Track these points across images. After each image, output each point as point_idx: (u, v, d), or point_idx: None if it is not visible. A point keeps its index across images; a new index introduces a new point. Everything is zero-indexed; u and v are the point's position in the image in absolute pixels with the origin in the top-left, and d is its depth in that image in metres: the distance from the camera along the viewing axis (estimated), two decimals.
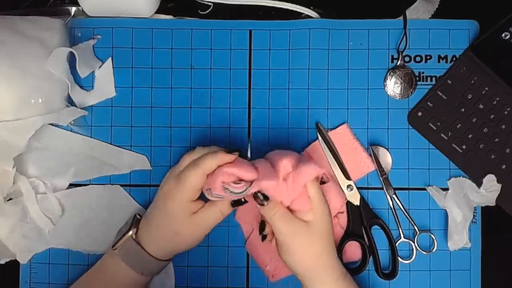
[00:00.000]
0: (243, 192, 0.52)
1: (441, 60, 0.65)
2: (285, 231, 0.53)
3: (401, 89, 0.65)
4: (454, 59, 0.65)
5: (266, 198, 0.54)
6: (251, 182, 0.52)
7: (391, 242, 0.63)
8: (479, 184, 0.63)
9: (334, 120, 0.65)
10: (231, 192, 0.52)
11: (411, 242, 0.63)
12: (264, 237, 0.57)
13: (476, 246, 0.64)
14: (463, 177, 0.64)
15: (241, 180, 0.52)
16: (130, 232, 0.57)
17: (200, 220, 0.55)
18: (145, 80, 0.65)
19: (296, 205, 0.54)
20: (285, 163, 0.53)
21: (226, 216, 0.56)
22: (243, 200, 0.55)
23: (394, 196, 0.63)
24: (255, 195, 0.54)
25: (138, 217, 0.59)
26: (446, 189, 0.63)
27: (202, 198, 0.56)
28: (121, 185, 0.65)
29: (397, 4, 0.65)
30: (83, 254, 0.64)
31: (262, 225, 0.57)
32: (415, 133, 0.65)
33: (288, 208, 0.55)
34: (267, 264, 0.63)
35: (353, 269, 0.63)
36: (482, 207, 0.64)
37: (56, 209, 0.63)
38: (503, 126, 0.63)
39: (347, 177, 0.62)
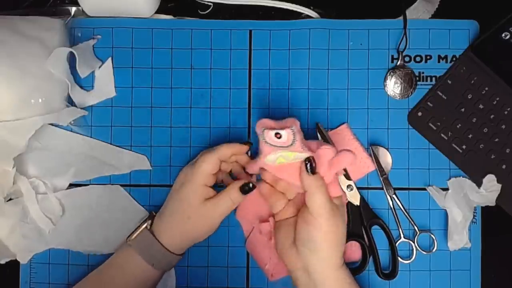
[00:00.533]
0: (289, 145, 0.53)
1: (441, 60, 0.65)
2: (326, 204, 0.53)
3: (401, 89, 0.65)
4: (454, 59, 0.65)
5: (313, 170, 0.54)
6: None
7: (391, 242, 0.63)
8: (479, 184, 0.63)
9: (334, 120, 0.65)
10: (267, 142, 0.53)
11: (411, 242, 0.63)
12: (312, 169, 0.55)
13: (476, 246, 0.64)
14: (463, 177, 0.64)
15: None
16: (145, 224, 0.58)
17: (212, 207, 0.57)
18: (145, 80, 0.65)
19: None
20: (327, 150, 0.53)
21: (236, 205, 0.57)
22: (251, 185, 0.56)
23: (394, 196, 0.63)
24: (306, 162, 0.53)
25: (154, 213, 0.60)
26: (446, 189, 0.63)
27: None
28: (121, 185, 0.65)
29: (397, 4, 0.65)
30: (83, 254, 0.64)
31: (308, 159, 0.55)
32: (415, 133, 0.65)
33: None
34: (266, 263, 0.63)
35: (353, 269, 0.63)
36: (482, 207, 0.64)
37: (56, 209, 0.63)
38: (503, 126, 0.63)
39: (347, 177, 0.62)
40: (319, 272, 0.55)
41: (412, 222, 0.63)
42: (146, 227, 0.58)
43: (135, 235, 0.58)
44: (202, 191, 0.57)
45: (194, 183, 0.57)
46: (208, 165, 0.56)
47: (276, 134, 0.53)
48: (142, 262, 0.57)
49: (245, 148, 0.58)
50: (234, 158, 0.60)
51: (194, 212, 0.57)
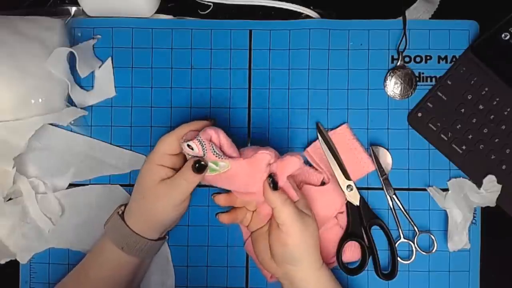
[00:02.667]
0: (203, 155, 0.53)
1: (441, 61, 0.65)
2: (296, 216, 0.54)
3: (401, 89, 0.65)
4: (454, 59, 0.65)
5: (275, 186, 0.54)
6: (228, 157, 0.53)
7: (391, 243, 0.63)
8: (479, 184, 0.63)
9: (334, 120, 0.65)
10: (202, 146, 0.53)
11: (411, 242, 0.63)
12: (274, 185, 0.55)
13: (475, 247, 0.64)
14: (463, 177, 0.64)
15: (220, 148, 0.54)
16: (118, 209, 0.59)
17: (167, 187, 0.55)
18: (145, 80, 0.65)
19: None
20: (264, 155, 0.53)
21: (193, 187, 0.55)
22: (203, 163, 0.53)
23: (394, 196, 0.63)
24: (268, 181, 0.54)
25: None
26: (446, 190, 0.63)
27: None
28: (121, 185, 0.65)
29: (397, 4, 0.65)
30: (83, 254, 0.64)
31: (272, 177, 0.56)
32: (415, 133, 0.65)
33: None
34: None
35: (352, 269, 0.63)
36: (482, 208, 0.64)
37: (56, 209, 0.63)
38: (503, 127, 0.63)
39: (347, 177, 0.62)
40: (301, 279, 0.56)
41: (412, 223, 0.63)
42: (117, 212, 0.58)
43: (108, 220, 0.59)
44: (157, 170, 0.55)
45: (149, 163, 0.56)
46: (164, 145, 0.55)
47: (188, 145, 0.53)
48: (114, 247, 0.57)
49: (205, 123, 0.56)
50: None
51: (148, 191, 0.56)
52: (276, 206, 0.54)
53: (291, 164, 0.54)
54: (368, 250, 0.62)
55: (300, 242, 0.55)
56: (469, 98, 0.64)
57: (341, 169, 0.62)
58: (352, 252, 0.63)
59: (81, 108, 0.64)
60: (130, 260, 0.58)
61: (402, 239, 0.63)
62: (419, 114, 0.64)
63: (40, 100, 0.60)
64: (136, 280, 0.61)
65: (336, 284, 0.57)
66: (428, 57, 0.65)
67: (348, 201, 0.63)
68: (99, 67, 0.65)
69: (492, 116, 0.63)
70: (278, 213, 0.54)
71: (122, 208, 0.59)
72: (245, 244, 0.64)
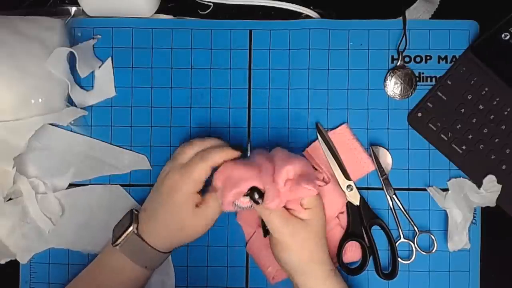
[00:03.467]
0: (250, 206, 0.55)
1: (441, 61, 0.65)
2: (282, 229, 0.54)
3: (401, 89, 0.65)
4: (454, 59, 0.65)
5: (261, 196, 0.54)
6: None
7: (391, 243, 0.63)
8: (479, 184, 0.63)
9: (334, 120, 0.65)
10: (238, 207, 0.55)
11: (411, 242, 0.63)
12: (266, 233, 0.58)
13: (475, 247, 0.64)
14: (463, 177, 0.64)
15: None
16: (131, 228, 0.57)
17: (204, 213, 0.56)
18: (145, 80, 0.65)
19: (291, 205, 0.55)
20: (289, 169, 0.54)
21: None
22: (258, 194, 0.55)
23: (394, 196, 0.63)
24: (250, 193, 0.54)
25: (136, 212, 0.59)
26: (446, 190, 0.63)
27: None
28: (121, 185, 0.65)
29: (397, 4, 0.65)
30: (83, 254, 0.64)
31: (263, 222, 0.57)
32: (415, 133, 0.65)
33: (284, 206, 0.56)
34: (268, 266, 0.63)
35: (353, 269, 0.63)
36: (482, 208, 0.64)
37: (56, 209, 0.63)
38: (503, 127, 0.63)
39: (347, 177, 0.62)
40: (305, 286, 0.56)
41: (412, 223, 0.63)
42: (133, 230, 0.57)
43: (122, 238, 0.57)
44: (192, 198, 0.56)
45: (185, 192, 0.55)
46: (199, 174, 0.55)
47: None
48: (135, 265, 0.57)
49: (236, 154, 0.56)
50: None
51: (189, 219, 0.56)
52: (264, 217, 0.55)
53: (304, 193, 0.54)
54: (369, 250, 0.62)
55: (295, 249, 0.55)
56: (469, 98, 0.64)
57: (341, 169, 0.62)
58: (352, 252, 0.63)
59: (81, 108, 0.64)
60: (149, 272, 0.59)
61: (402, 239, 0.63)
62: (419, 114, 0.64)
63: (40, 100, 0.60)
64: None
65: None
66: (428, 57, 0.65)
67: (348, 201, 0.63)
68: (99, 67, 0.65)
69: (492, 116, 0.63)
70: (267, 223, 0.55)
71: (135, 226, 0.57)
72: (247, 245, 0.64)
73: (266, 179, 0.54)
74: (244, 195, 0.54)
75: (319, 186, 0.61)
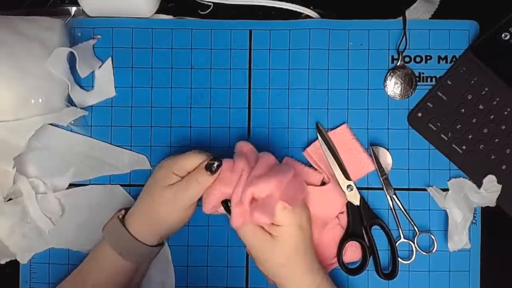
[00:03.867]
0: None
1: (441, 61, 0.65)
2: (250, 243, 0.55)
3: (401, 89, 0.65)
4: (454, 59, 0.65)
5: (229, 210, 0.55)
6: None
7: (391, 243, 0.63)
8: (479, 184, 0.63)
9: (334, 120, 0.65)
10: (219, 212, 0.57)
11: (411, 242, 0.63)
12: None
13: (475, 247, 0.64)
14: (463, 177, 0.64)
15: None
16: (118, 214, 0.59)
17: (178, 190, 0.55)
18: (145, 80, 0.65)
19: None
20: (253, 191, 0.53)
21: (203, 189, 0.55)
22: (217, 163, 0.54)
23: (394, 196, 0.63)
24: (223, 205, 0.55)
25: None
26: (446, 190, 0.63)
27: None
28: (121, 185, 0.65)
29: (397, 4, 0.65)
30: (83, 254, 0.64)
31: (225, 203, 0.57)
32: (415, 133, 0.65)
33: None
34: None
35: (353, 269, 0.63)
36: (482, 208, 0.64)
37: (56, 209, 0.63)
38: (503, 127, 0.63)
39: (347, 177, 0.62)
40: None
41: (412, 223, 0.63)
42: (118, 216, 0.58)
43: (108, 224, 0.58)
44: (170, 177, 0.56)
45: (166, 169, 0.56)
46: (188, 160, 0.56)
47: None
48: (113, 253, 0.56)
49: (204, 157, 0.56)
50: None
51: (157, 194, 0.55)
52: (234, 228, 0.55)
53: (259, 217, 0.53)
54: (369, 250, 0.62)
55: (261, 263, 0.55)
56: (469, 98, 0.64)
57: (341, 169, 0.62)
58: (352, 252, 0.63)
59: (81, 108, 0.64)
60: (127, 265, 0.57)
61: (402, 239, 0.63)
62: (419, 114, 0.64)
63: (40, 100, 0.60)
64: (133, 284, 0.60)
65: None
66: (428, 57, 0.65)
67: (348, 201, 0.63)
68: (99, 67, 0.65)
69: (492, 116, 0.63)
70: (238, 234, 0.56)
71: (123, 212, 0.59)
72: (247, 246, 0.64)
73: (236, 194, 0.54)
74: (223, 205, 0.56)
75: (315, 185, 0.62)
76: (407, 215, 0.63)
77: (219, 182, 0.55)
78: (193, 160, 0.56)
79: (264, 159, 0.56)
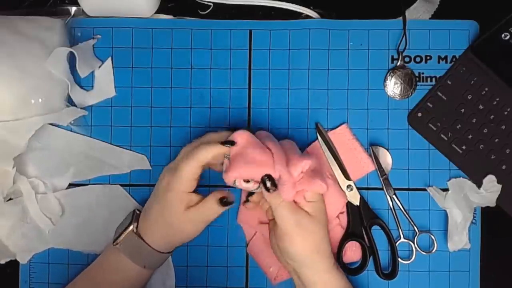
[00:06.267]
0: (256, 189, 0.55)
1: (441, 61, 0.65)
2: (290, 219, 0.55)
3: (401, 89, 0.65)
4: (454, 59, 0.65)
5: (274, 184, 0.54)
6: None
7: (391, 243, 0.63)
8: (479, 184, 0.63)
9: (334, 120, 0.65)
10: (235, 185, 0.55)
11: (411, 242, 0.63)
12: (247, 201, 0.59)
13: (475, 247, 0.64)
14: (463, 177, 0.64)
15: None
16: (131, 227, 0.58)
17: (194, 215, 0.56)
18: (145, 80, 0.65)
19: (297, 198, 0.56)
20: (306, 163, 0.55)
21: (217, 216, 0.57)
22: (228, 200, 0.56)
23: (394, 196, 0.63)
24: (263, 180, 0.54)
25: (138, 212, 0.60)
26: (446, 190, 0.63)
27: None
28: (121, 185, 0.65)
29: (397, 4, 0.65)
30: (83, 254, 0.64)
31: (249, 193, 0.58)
32: (415, 133, 0.65)
33: None
34: (270, 266, 0.63)
35: (353, 269, 0.63)
36: (482, 208, 0.64)
37: (56, 209, 0.63)
38: (503, 127, 0.63)
39: (347, 177, 0.62)
40: (307, 278, 0.56)
41: (412, 223, 0.63)
42: (132, 229, 0.57)
43: (121, 238, 0.57)
44: (185, 198, 0.56)
45: (177, 191, 0.55)
46: (189, 173, 0.55)
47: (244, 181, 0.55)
48: (134, 265, 0.57)
49: (225, 149, 0.55)
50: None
51: (177, 219, 0.56)
52: (272, 206, 0.55)
53: (315, 187, 0.55)
54: (369, 250, 0.62)
55: (298, 242, 0.55)
56: (469, 98, 0.64)
57: (341, 169, 0.62)
58: (352, 252, 0.63)
59: (81, 108, 0.64)
60: (149, 272, 0.59)
61: (402, 239, 0.63)
62: (419, 114, 0.64)
63: (40, 100, 0.60)
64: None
65: (347, 286, 0.57)
66: (428, 57, 0.65)
67: (348, 201, 0.63)
68: (99, 67, 0.65)
69: (492, 116, 0.63)
70: (274, 212, 0.55)
71: (135, 224, 0.58)
72: (247, 246, 0.64)
73: (281, 169, 0.54)
74: (245, 181, 0.55)
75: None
76: (407, 215, 0.63)
77: (255, 165, 0.54)
78: (192, 172, 0.55)
79: (288, 142, 0.59)
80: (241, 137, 0.56)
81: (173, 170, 0.56)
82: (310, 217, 0.55)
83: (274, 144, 0.56)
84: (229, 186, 0.56)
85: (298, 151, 0.58)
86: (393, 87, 0.65)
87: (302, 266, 0.56)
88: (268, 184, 0.54)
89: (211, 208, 0.56)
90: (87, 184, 0.65)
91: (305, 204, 0.56)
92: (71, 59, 0.63)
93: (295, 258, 0.56)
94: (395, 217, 0.64)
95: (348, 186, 0.62)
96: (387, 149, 0.64)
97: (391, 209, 0.64)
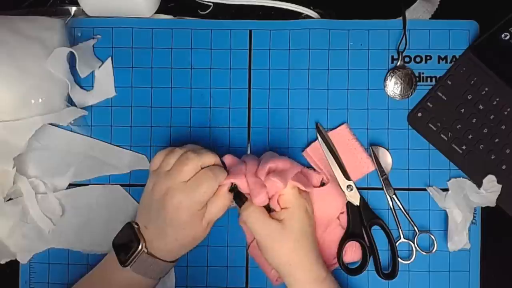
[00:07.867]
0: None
1: (441, 61, 0.65)
2: (258, 231, 0.55)
3: (401, 89, 0.65)
4: (454, 59, 0.65)
5: (240, 197, 0.56)
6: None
7: (391, 243, 0.63)
8: (479, 184, 0.63)
9: (334, 120, 0.65)
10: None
11: (411, 242, 0.63)
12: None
13: (475, 247, 0.64)
14: (463, 177, 0.64)
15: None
16: (140, 247, 0.54)
17: (208, 217, 0.56)
18: (145, 80, 0.65)
19: (271, 203, 0.56)
20: (270, 166, 0.56)
21: (226, 208, 0.57)
22: (234, 185, 0.56)
23: (394, 196, 0.63)
24: (234, 195, 0.56)
25: (136, 226, 0.56)
26: (446, 190, 0.63)
27: None
28: (121, 185, 0.65)
29: (397, 4, 0.65)
30: (83, 254, 0.64)
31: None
32: (415, 133, 0.65)
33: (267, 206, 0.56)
34: (272, 268, 0.63)
35: (353, 269, 0.63)
36: (482, 208, 0.64)
37: (56, 209, 0.63)
38: (503, 127, 0.63)
39: (347, 177, 0.62)
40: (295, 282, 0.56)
41: (412, 223, 0.63)
42: (143, 250, 0.54)
43: (132, 260, 0.54)
44: (201, 212, 0.55)
45: (193, 211, 0.54)
46: (208, 192, 0.54)
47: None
48: (147, 279, 0.56)
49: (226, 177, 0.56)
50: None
51: (199, 234, 0.56)
52: (242, 218, 0.56)
53: (273, 187, 0.55)
54: (369, 250, 0.62)
55: (270, 253, 0.55)
56: (469, 98, 0.64)
57: (341, 169, 0.62)
58: (353, 253, 0.63)
59: (81, 108, 0.64)
60: (157, 280, 0.59)
61: (402, 239, 0.63)
62: (419, 114, 0.64)
63: (40, 100, 0.60)
64: None
65: None
66: (428, 57, 0.65)
67: (348, 201, 0.63)
68: (99, 67, 0.65)
69: (492, 116, 0.63)
70: (247, 223, 0.56)
71: (143, 244, 0.55)
72: (248, 247, 0.64)
73: (249, 176, 0.55)
74: (233, 195, 0.56)
75: (314, 186, 0.61)
76: (407, 215, 0.63)
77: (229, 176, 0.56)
78: (211, 191, 0.55)
79: (267, 153, 0.59)
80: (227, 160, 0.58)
81: (185, 191, 0.53)
82: (281, 228, 0.54)
83: (249, 157, 0.58)
84: None
85: (272, 157, 0.58)
86: (393, 87, 0.65)
87: (283, 274, 0.56)
88: (237, 198, 0.56)
89: (222, 202, 0.55)
90: (87, 184, 0.65)
91: (279, 211, 0.55)
92: (71, 59, 0.63)
93: (274, 266, 0.57)
94: (395, 217, 0.64)
95: (348, 186, 0.62)
96: (387, 149, 0.64)
97: (391, 209, 0.64)
